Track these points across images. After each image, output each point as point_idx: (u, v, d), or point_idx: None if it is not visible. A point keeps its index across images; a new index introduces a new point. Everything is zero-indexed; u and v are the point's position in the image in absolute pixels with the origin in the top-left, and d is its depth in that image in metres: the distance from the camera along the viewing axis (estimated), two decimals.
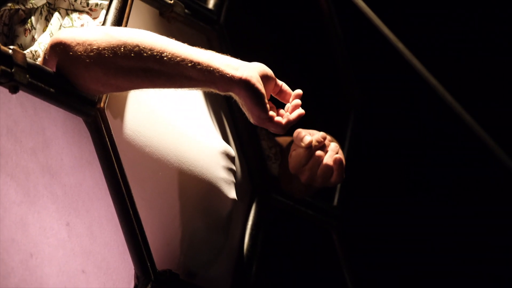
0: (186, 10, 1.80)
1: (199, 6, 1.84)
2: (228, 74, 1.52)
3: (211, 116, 1.80)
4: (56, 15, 1.66)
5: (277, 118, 1.56)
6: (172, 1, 1.77)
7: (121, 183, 1.57)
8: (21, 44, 1.66)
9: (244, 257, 1.85)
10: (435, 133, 2.59)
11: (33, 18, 1.67)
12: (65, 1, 1.68)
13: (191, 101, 1.77)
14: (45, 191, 1.52)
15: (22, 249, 1.47)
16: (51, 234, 1.52)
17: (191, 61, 1.51)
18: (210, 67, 1.52)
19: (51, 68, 1.51)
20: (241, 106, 1.57)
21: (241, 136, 1.89)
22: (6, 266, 1.45)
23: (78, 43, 1.50)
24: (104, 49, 1.50)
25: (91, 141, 1.56)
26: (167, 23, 1.79)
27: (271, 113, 1.56)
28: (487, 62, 2.54)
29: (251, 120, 1.57)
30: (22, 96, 1.47)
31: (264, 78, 1.56)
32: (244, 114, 1.57)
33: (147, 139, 1.64)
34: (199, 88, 1.55)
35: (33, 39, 1.65)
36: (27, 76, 1.44)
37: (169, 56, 1.51)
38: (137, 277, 1.60)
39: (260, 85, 1.54)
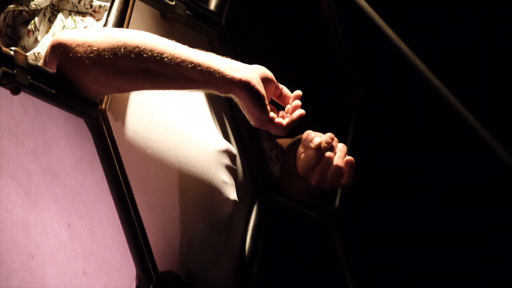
0: (187, 11, 1.80)
1: (200, 7, 1.84)
2: (229, 76, 1.52)
3: (212, 117, 1.80)
4: (60, 16, 1.66)
5: (278, 120, 1.56)
6: (173, 2, 1.77)
7: (123, 184, 1.57)
8: (24, 45, 1.66)
9: (246, 258, 1.85)
10: (437, 134, 2.59)
11: (36, 19, 1.67)
12: (68, 3, 1.68)
13: (192, 102, 1.77)
14: (47, 192, 1.52)
15: (23, 250, 1.47)
16: (53, 236, 1.52)
17: (191, 63, 1.51)
18: (211, 68, 1.52)
19: (52, 70, 1.51)
20: (241, 109, 1.57)
21: (242, 137, 1.89)
22: (8, 267, 1.45)
23: (78, 44, 1.50)
24: (104, 50, 1.50)
25: (92, 142, 1.56)
26: (169, 25, 1.79)
27: (272, 114, 1.56)
28: (491, 63, 2.54)
29: (252, 123, 1.57)
30: (24, 97, 1.47)
31: (265, 80, 1.56)
32: (245, 116, 1.57)
33: (148, 140, 1.64)
34: (200, 90, 1.55)
35: (36, 41, 1.65)
36: (29, 77, 1.44)
37: (170, 57, 1.51)
38: (138, 278, 1.60)
39: (260, 86, 1.54)
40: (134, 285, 1.60)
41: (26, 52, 1.63)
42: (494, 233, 2.50)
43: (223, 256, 1.77)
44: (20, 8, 1.67)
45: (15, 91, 1.44)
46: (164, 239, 1.66)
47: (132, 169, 1.60)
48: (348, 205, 2.14)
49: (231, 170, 1.73)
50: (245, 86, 1.52)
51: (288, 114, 1.58)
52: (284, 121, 1.56)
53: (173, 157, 1.66)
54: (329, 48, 2.26)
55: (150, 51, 1.51)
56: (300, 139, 1.89)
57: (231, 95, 1.55)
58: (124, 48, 1.50)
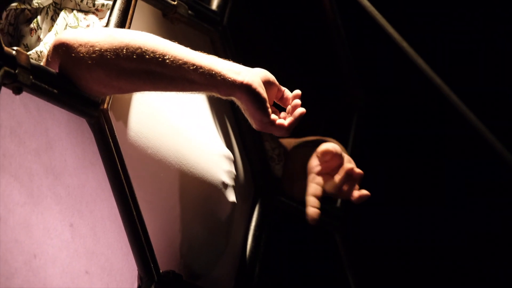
0: (189, 11, 1.80)
1: (202, 7, 1.84)
2: (230, 79, 1.52)
3: (213, 118, 1.80)
4: (62, 14, 1.66)
5: (279, 121, 1.56)
6: (175, 2, 1.77)
7: (125, 184, 1.57)
8: (26, 44, 1.66)
9: (247, 258, 1.85)
10: (439, 133, 2.58)
11: (39, 18, 1.67)
12: (71, 1, 1.68)
13: (194, 102, 1.77)
14: (49, 192, 1.52)
15: (26, 250, 1.47)
16: (55, 235, 1.52)
17: (193, 65, 1.52)
18: (212, 71, 1.52)
19: (54, 69, 1.51)
20: (243, 111, 1.57)
21: (244, 137, 1.89)
22: (10, 267, 1.45)
23: (81, 44, 1.50)
24: (106, 50, 1.50)
25: (94, 142, 1.56)
26: (171, 24, 1.79)
27: (273, 116, 1.56)
28: (493, 62, 2.54)
29: (254, 126, 1.57)
30: (26, 97, 1.47)
31: (266, 83, 1.56)
32: (247, 119, 1.57)
33: (149, 141, 1.64)
34: (201, 92, 1.54)
35: (38, 39, 1.65)
36: (31, 77, 1.44)
37: (171, 59, 1.51)
38: (140, 278, 1.60)
39: (262, 89, 1.54)
40: (136, 285, 1.60)
41: (29, 50, 1.63)
42: (497, 233, 2.50)
43: (224, 257, 1.77)
44: (23, 6, 1.67)
45: (17, 91, 1.44)
46: (166, 239, 1.66)
47: (133, 169, 1.60)
48: (350, 206, 2.14)
49: (230, 173, 1.73)
50: (247, 89, 1.53)
51: (289, 115, 1.58)
52: (286, 122, 1.56)
53: (173, 157, 1.66)
54: (331, 47, 2.26)
55: (152, 52, 1.51)
56: (306, 141, 1.90)
57: (233, 98, 1.55)
58: (127, 49, 1.50)
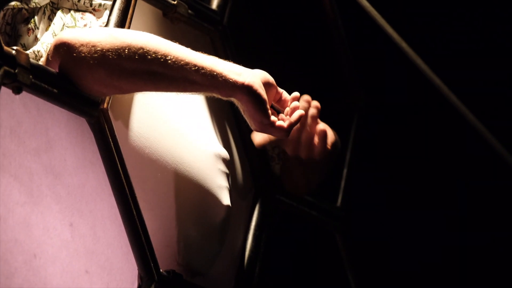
0: (189, 11, 1.80)
1: (202, 7, 1.84)
2: (231, 80, 1.53)
3: (213, 118, 1.80)
4: (59, 14, 1.66)
5: (279, 122, 1.56)
6: (175, 2, 1.77)
7: (124, 183, 1.57)
8: (24, 43, 1.66)
9: (247, 257, 1.85)
10: (439, 134, 2.58)
11: (36, 17, 1.67)
12: (68, 1, 1.68)
13: (193, 103, 1.77)
14: (49, 191, 1.52)
15: (26, 249, 1.47)
16: (55, 235, 1.52)
17: (194, 65, 1.52)
18: (214, 72, 1.52)
19: (54, 69, 1.51)
20: (242, 113, 1.57)
21: (244, 137, 1.89)
22: (10, 266, 1.45)
23: (82, 44, 1.50)
24: (108, 50, 1.50)
25: (94, 141, 1.56)
26: (170, 24, 1.79)
27: (273, 118, 1.56)
28: (492, 62, 2.54)
29: (253, 127, 1.57)
30: (26, 96, 1.47)
31: (266, 85, 1.57)
32: (246, 121, 1.57)
33: (147, 141, 1.64)
34: (202, 93, 1.55)
35: (36, 39, 1.65)
36: (30, 76, 1.44)
37: (173, 60, 1.51)
38: (140, 278, 1.60)
39: (262, 91, 1.54)
40: (136, 284, 1.60)
41: (26, 50, 1.63)
42: (499, 234, 2.50)
43: (225, 255, 1.77)
44: (20, 6, 1.67)
45: (17, 91, 1.44)
46: (164, 239, 1.66)
47: (132, 169, 1.60)
48: (350, 205, 2.14)
49: (225, 175, 1.73)
50: (248, 90, 1.53)
51: (288, 117, 1.58)
52: (285, 124, 1.57)
53: (170, 157, 1.66)
54: (331, 48, 2.26)
55: (154, 52, 1.51)
56: None
57: (233, 99, 1.55)
58: (128, 49, 1.50)
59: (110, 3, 1.66)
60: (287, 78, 1.71)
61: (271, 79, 1.58)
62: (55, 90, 1.49)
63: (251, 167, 1.89)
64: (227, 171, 1.74)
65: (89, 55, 1.49)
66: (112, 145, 1.56)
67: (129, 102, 1.65)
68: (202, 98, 1.80)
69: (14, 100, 1.49)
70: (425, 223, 2.53)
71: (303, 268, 2.37)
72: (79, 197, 1.56)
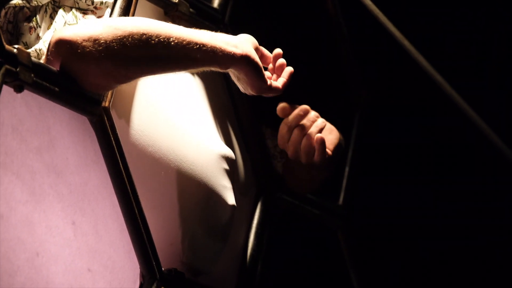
0: (191, 9, 1.80)
1: (204, 5, 1.84)
2: (230, 53, 1.58)
3: (215, 116, 1.80)
4: (61, 12, 1.66)
5: (275, 84, 1.65)
6: (177, 0, 1.77)
7: (126, 182, 1.57)
8: (26, 42, 1.65)
9: (249, 256, 1.85)
10: (441, 132, 2.58)
11: (38, 16, 1.67)
12: None
13: (196, 101, 1.77)
14: (51, 190, 1.52)
15: (28, 248, 1.47)
16: (57, 233, 1.52)
17: (196, 44, 1.55)
18: (214, 47, 1.56)
19: (55, 68, 1.51)
20: (236, 81, 1.63)
21: (246, 135, 1.88)
22: (12, 265, 1.45)
23: (84, 40, 1.50)
24: (111, 41, 1.50)
25: (96, 140, 1.56)
26: (172, 22, 1.79)
27: (269, 81, 1.63)
28: (495, 60, 2.53)
29: (249, 91, 1.64)
30: (27, 95, 1.47)
31: (256, 49, 1.64)
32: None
33: (149, 139, 1.64)
34: (201, 68, 1.59)
35: (38, 37, 1.65)
36: (32, 75, 1.44)
37: (176, 41, 1.54)
38: (142, 276, 1.60)
39: (257, 58, 1.61)
40: (138, 282, 1.60)
41: (28, 48, 1.63)
42: (502, 234, 2.50)
43: (227, 254, 1.77)
44: (22, 4, 1.67)
45: (18, 89, 1.44)
46: (167, 237, 1.66)
47: (135, 167, 1.60)
48: (352, 203, 2.14)
49: (230, 174, 1.73)
50: (246, 61, 1.59)
51: (275, 75, 1.66)
52: (280, 84, 1.66)
53: (173, 155, 1.66)
54: (333, 46, 2.26)
55: (157, 36, 1.52)
56: None
57: (231, 70, 1.60)
58: (132, 37, 1.51)
59: (111, 1, 1.66)
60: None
61: (256, 41, 1.65)
62: (56, 89, 1.49)
63: (253, 165, 1.89)
64: (231, 170, 1.74)
65: (94, 50, 1.49)
66: (114, 143, 1.55)
67: (130, 101, 1.65)
68: (204, 96, 1.80)
69: (16, 99, 1.49)
70: (430, 222, 2.52)
71: (305, 267, 2.37)
72: (81, 195, 1.56)
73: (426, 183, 2.57)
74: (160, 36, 1.53)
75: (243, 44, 1.60)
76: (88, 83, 1.51)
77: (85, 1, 1.68)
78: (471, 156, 2.55)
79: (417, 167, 2.57)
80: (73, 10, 1.67)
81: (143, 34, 1.52)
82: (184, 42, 1.54)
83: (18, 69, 1.42)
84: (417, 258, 2.53)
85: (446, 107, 2.28)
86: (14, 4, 1.67)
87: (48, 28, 1.65)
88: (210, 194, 1.69)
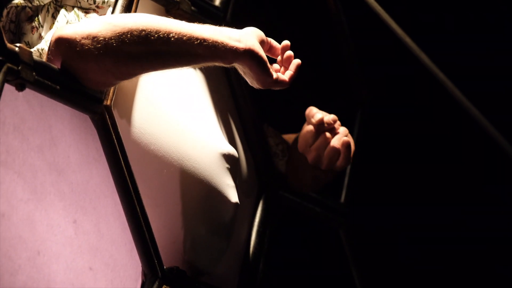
0: (192, 7, 1.80)
1: (205, 3, 1.84)
2: (233, 47, 1.55)
3: (217, 115, 1.80)
4: (63, 12, 1.66)
5: (281, 77, 1.61)
6: None
7: (128, 180, 1.56)
8: (28, 41, 1.65)
9: (251, 254, 1.85)
10: (443, 130, 2.58)
11: (40, 15, 1.67)
12: None
13: (198, 99, 1.77)
14: (52, 188, 1.52)
15: (30, 246, 1.47)
16: (59, 232, 1.52)
17: (197, 39, 1.53)
18: (216, 42, 1.54)
19: (56, 66, 1.51)
20: (243, 74, 1.60)
21: (248, 134, 1.88)
22: (14, 263, 1.45)
23: (83, 37, 1.50)
24: (110, 38, 1.49)
25: (98, 138, 1.56)
26: None
27: (275, 75, 1.60)
28: (497, 57, 2.53)
29: (256, 85, 1.61)
30: (29, 93, 1.47)
31: (261, 42, 1.60)
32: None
33: (152, 137, 1.64)
34: (204, 63, 1.57)
35: (40, 37, 1.65)
36: (34, 73, 1.44)
37: (176, 36, 1.52)
38: (144, 274, 1.60)
39: (262, 52, 1.58)
40: (140, 281, 1.60)
41: (30, 48, 1.62)
42: (504, 233, 2.50)
43: (227, 254, 1.77)
44: (23, 4, 1.67)
45: (20, 88, 1.44)
46: (169, 236, 1.66)
47: (137, 166, 1.60)
48: (354, 202, 2.14)
49: (233, 173, 1.73)
50: (250, 55, 1.56)
51: (283, 68, 1.62)
52: (286, 77, 1.62)
53: (176, 153, 1.66)
54: (335, 44, 2.26)
55: (156, 32, 1.51)
56: None
57: (235, 64, 1.58)
58: (131, 34, 1.50)
59: (113, 0, 1.66)
60: None
61: (262, 34, 1.62)
62: (58, 87, 1.49)
63: (255, 163, 1.89)
64: (234, 169, 1.74)
65: (92, 47, 1.49)
66: (115, 141, 1.55)
67: (132, 99, 1.65)
68: (206, 94, 1.79)
69: (18, 97, 1.49)
70: (429, 219, 2.52)
71: (307, 264, 2.37)
72: (83, 193, 1.56)
73: (429, 180, 2.57)
74: (160, 31, 1.52)
75: (246, 37, 1.57)
76: (89, 80, 1.51)
77: (87, 0, 1.67)
78: (473, 155, 2.54)
79: (419, 164, 2.57)
80: (75, 9, 1.66)
81: (142, 30, 1.51)
82: (185, 37, 1.53)
83: (19, 68, 1.42)
84: (419, 256, 2.53)
85: (448, 104, 2.28)
86: (16, 3, 1.66)
87: (50, 28, 1.65)
88: (213, 193, 1.69)
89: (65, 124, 1.55)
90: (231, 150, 1.74)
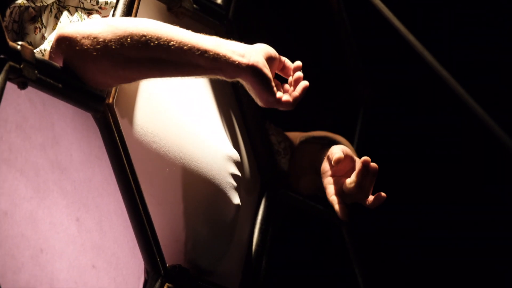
0: (194, 5, 1.80)
1: (207, 1, 1.84)
2: (235, 61, 1.52)
3: (219, 113, 1.80)
4: (66, 13, 1.66)
5: (285, 98, 1.56)
6: None
7: (130, 178, 1.57)
8: (31, 42, 1.66)
9: (254, 252, 1.85)
10: (446, 129, 2.58)
11: (43, 16, 1.67)
12: None
13: (199, 98, 1.77)
14: (55, 186, 1.52)
15: (32, 244, 1.47)
16: (61, 230, 1.52)
17: (198, 49, 1.51)
18: (218, 54, 1.52)
19: (58, 64, 1.51)
20: (248, 91, 1.57)
21: (250, 132, 1.88)
22: (17, 261, 1.45)
23: (84, 37, 1.50)
24: (110, 41, 1.49)
25: (100, 136, 1.56)
26: (175, 18, 1.79)
27: (279, 94, 1.56)
28: (500, 55, 2.53)
29: (259, 103, 1.57)
30: (31, 92, 1.47)
31: (269, 59, 1.56)
32: (251, 105, 1.58)
33: (154, 135, 1.64)
34: (206, 76, 1.55)
35: (43, 37, 1.65)
36: (36, 71, 1.44)
37: (176, 45, 1.51)
38: (147, 272, 1.60)
39: (266, 69, 1.54)
40: (142, 279, 1.60)
41: (33, 49, 1.62)
42: (506, 233, 2.49)
43: (231, 250, 1.77)
44: (27, 4, 1.67)
45: (22, 86, 1.44)
46: (172, 234, 1.66)
47: (139, 164, 1.60)
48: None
49: (235, 171, 1.73)
50: (252, 71, 1.52)
51: (292, 88, 1.58)
52: (291, 98, 1.57)
53: (178, 152, 1.66)
54: (338, 41, 2.26)
55: (157, 39, 1.50)
56: (313, 137, 1.90)
57: (238, 79, 1.55)
58: (131, 38, 1.50)
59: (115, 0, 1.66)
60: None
61: (273, 52, 1.58)
62: (60, 85, 1.49)
63: (257, 162, 1.89)
64: (236, 171, 1.74)
65: (92, 47, 1.49)
66: (117, 139, 1.55)
67: (135, 98, 1.65)
68: (208, 92, 1.79)
69: (20, 95, 1.49)
70: (434, 220, 2.52)
71: (309, 262, 2.37)
72: (86, 192, 1.56)
73: (431, 179, 2.57)
74: (161, 38, 1.50)
75: (252, 53, 1.54)
76: (88, 79, 1.51)
77: (90, 1, 1.67)
78: (476, 153, 2.54)
79: (422, 162, 2.57)
80: (78, 10, 1.67)
81: (143, 35, 1.50)
82: (185, 47, 1.51)
83: (22, 66, 1.42)
84: (421, 252, 2.52)
85: (451, 102, 2.28)
86: (19, 3, 1.67)
87: (53, 28, 1.65)
88: (215, 193, 1.69)
89: (68, 122, 1.55)
90: (233, 152, 1.74)
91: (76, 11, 1.67)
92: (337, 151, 1.71)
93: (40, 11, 1.67)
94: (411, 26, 2.11)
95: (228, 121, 1.82)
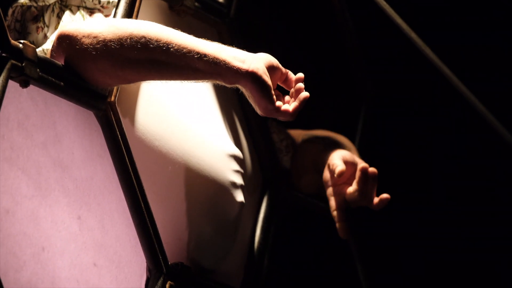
0: (196, 4, 1.80)
1: (209, 0, 1.84)
2: (235, 67, 1.51)
3: (221, 111, 1.79)
4: (68, 12, 1.66)
5: (284, 107, 1.55)
6: None
7: (132, 176, 1.57)
8: (33, 41, 1.66)
9: (256, 250, 1.85)
10: (449, 127, 2.57)
11: (45, 15, 1.67)
12: None
13: (201, 96, 1.77)
14: (57, 185, 1.52)
15: (34, 242, 1.48)
16: (63, 228, 1.52)
17: (197, 53, 1.51)
18: (217, 59, 1.51)
19: (59, 63, 1.51)
20: (248, 98, 1.56)
21: (252, 130, 1.88)
22: (18, 259, 1.45)
23: (84, 36, 1.50)
24: (110, 41, 1.50)
25: (102, 134, 1.56)
26: (177, 17, 1.79)
27: (278, 103, 1.54)
28: (503, 52, 2.53)
29: (258, 112, 1.56)
30: (33, 90, 1.48)
31: (270, 68, 1.55)
32: (252, 106, 1.57)
33: (156, 133, 1.64)
34: (206, 80, 1.54)
35: (45, 37, 1.66)
36: (38, 70, 1.44)
37: (176, 48, 1.51)
38: (149, 270, 1.60)
39: (266, 77, 1.53)
40: (144, 277, 1.60)
41: (36, 48, 1.63)
42: (508, 233, 2.49)
43: (233, 248, 1.77)
44: (29, 3, 1.67)
45: (24, 84, 1.44)
46: (174, 232, 1.66)
47: (141, 162, 1.60)
48: None
49: (238, 173, 1.73)
50: (252, 77, 1.51)
51: (293, 99, 1.57)
52: (290, 108, 1.55)
53: (180, 150, 1.66)
54: (339, 39, 2.25)
55: (156, 41, 1.50)
56: (316, 137, 1.90)
57: (238, 86, 1.54)
58: (130, 39, 1.50)
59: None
60: (294, 70, 1.70)
61: (275, 61, 1.57)
62: (62, 83, 1.49)
63: (259, 160, 1.89)
64: (239, 169, 1.74)
65: (91, 46, 1.49)
66: (119, 138, 1.56)
67: (137, 97, 1.65)
68: (210, 91, 1.79)
69: (22, 94, 1.49)
70: (436, 219, 2.52)
71: (311, 260, 2.37)
72: (87, 190, 1.56)
73: (433, 178, 2.56)
74: (161, 40, 1.50)
75: (252, 60, 1.53)
76: (88, 78, 1.51)
77: (92, 0, 1.68)
78: (479, 151, 2.54)
79: (423, 161, 2.57)
80: (80, 9, 1.67)
81: (143, 36, 1.50)
82: (185, 49, 1.50)
83: (23, 64, 1.42)
84: (423, 252, 2.52)
85: (453, 100, 2.27)
86: (22, 3, 1.67)
87: (55, 28, 1.65)
88: (218, 190, 1.69)
89: (69, 120, 1.55)
90: (236, 150, 1.74)
91: (78, 10, 1.67)
92: (338, 163, 1.76)
93: (42, 10, 1.68)
94: (414, 25, 2.10)
95: (230, 119, 1.82)
